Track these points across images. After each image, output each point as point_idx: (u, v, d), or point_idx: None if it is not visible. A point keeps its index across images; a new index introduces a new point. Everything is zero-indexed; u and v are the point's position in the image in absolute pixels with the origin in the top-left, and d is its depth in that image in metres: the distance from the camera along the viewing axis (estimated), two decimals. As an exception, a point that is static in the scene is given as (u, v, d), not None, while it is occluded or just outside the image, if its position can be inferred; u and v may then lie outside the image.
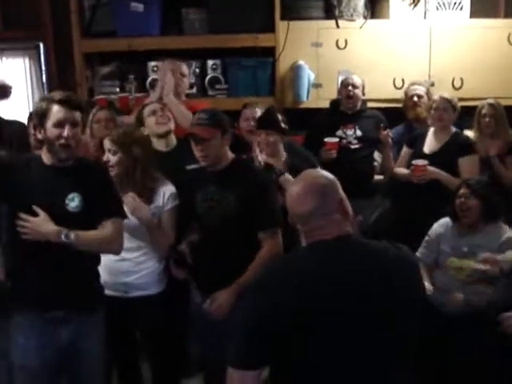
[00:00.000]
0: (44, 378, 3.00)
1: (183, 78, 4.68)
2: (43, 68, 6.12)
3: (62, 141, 2.85)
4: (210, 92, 5.47)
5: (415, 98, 4.97)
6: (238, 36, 5.35)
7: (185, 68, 4.74)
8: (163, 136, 3.99)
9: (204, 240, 3.37)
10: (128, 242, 3.33)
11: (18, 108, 5.81)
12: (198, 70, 5.45)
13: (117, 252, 3.13)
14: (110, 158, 3.42)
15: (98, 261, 3.14)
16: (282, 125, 3.90)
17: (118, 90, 5.44)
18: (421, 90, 5.00)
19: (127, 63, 5.55)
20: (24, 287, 2.97)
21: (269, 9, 5.37)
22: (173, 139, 4.05)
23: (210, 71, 5.48)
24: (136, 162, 3.42)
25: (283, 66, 5.41)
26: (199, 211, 3.34)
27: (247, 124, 4.42)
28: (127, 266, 3.43)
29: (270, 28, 5.37)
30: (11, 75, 6.17)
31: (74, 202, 2.93)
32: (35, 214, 2.85)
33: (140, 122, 4.02)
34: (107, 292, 3.30)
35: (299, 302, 1.99)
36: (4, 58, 6.22)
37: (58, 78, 6.00)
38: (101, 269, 3.24)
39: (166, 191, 3.49)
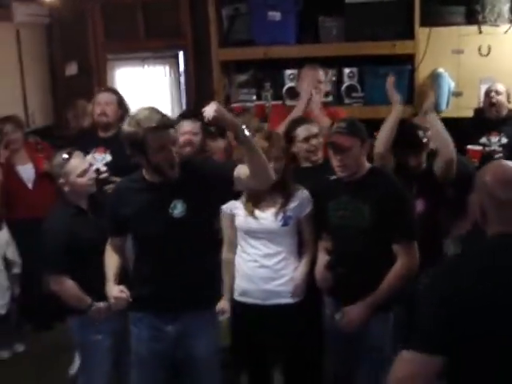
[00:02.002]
0: (155, 367, 3.13)
1: (320, 85, 4.52)
2: (182, 75, 6.32)
3: (169, 162, 2.95)
4: (346, 100, 5.42)
5: None
6: (375, 43, 5.28)
7: (321, 74, 4.64)
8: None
9: (336, 250, 3.32)
10: (267, 247, 3.35)
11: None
12: (334, 78, 5.41)
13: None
14: (276, 165, 3.31)
15: (219, 264, 3.19)
16: (424, 140, 3.74)
17: (254, 97, 5.51)
18: None
19: (263, 71, 5.61)
20: (140, 287, 3.10)
21: (407, 15, 5.26)
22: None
23: (346, 79, 5.43)
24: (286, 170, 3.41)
25: (422, 74, 5.27)
26: (332, 221, 3.31)
27: None
28: (266, 273, 3.39)
29: (409, 35, 5.25)
30: (152, 82, 6.44)
31: (177, 209, 3.00)
32: (149, 230, 3.01)
33: (289, 139, 3.83)
34: (246, 299, 3.35)
35: (482, 289, 1.92)
36: (146, 66, 6.48)
37: (196, 85, 6.17)
38: (240, 276, 3.30)
39: (303, 196, 3.46)
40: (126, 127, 2.94)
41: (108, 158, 4.33)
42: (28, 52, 6.38)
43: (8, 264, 4.99)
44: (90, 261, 3.41)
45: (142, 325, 3.13)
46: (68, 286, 3.50)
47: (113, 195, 3.26)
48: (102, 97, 4.50)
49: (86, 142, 4.34)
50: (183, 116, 4.04)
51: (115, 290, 3.09)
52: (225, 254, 3.53)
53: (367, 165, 3.30)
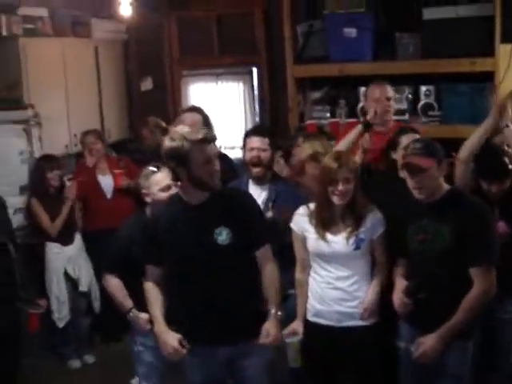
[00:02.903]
0: None
1: (389, 102, 4.40)
2: (256, 92, 6.33)
3: (215, 176, 2.97)
4: (423, 119, 5.30)
5: None
6: (453, 60, 5.15)
7: (390, 91, 4.49)
8: None
9: (415, 275, 3.22)
10: (339, 270, 3.31)
11: (232, 130, 6.06)
12: (410, 96, 5.31)
13: None
14: (346, 187, 3.26)
15: (260, 289, 3.16)
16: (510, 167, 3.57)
17: (328, 114, 5.46)
18: None
19: (338, 88, 5.55)
20: (183, 316, 3.11)
21: (487, 31, 5.11)
22: None
23: (422, 97, 5.31)
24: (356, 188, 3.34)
25: (504, 91, 5.10)
26: (411, 246, 3.21)
27: None
28: (339, 295, 3.33)
29: (489, 51, 5.10)
30: (226, 99, 6.47)
31: (221, 235, 2.99)
32: (192, 256, 3.00)
33: (393, 145, 3.80)
34: (319, 320, 3.32)
35: None
36: (220, 82, 6.53)
37: (270, 102, 6.17)
38: (313, 297, 3.27)
39: (375, 217, 3.39)
40: (169, 142, 2.96)
41: None
42: (105, 67, 6.51)
43: (70, 280, 5.10)
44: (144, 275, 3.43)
45: (191, 352, 3.08)
46: (114, 284, 3.63)
47: (151, 221, 3.23)
48: (187, 117, 4.48)
49: None
50: (252, 132, 3.98)
51: (173, 340, 3.03)
52: (297, 274, 3.48)
53: (446, 186, 3.21)
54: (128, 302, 3.57)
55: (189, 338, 3.05)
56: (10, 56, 5.31)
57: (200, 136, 2.92)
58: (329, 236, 3.31)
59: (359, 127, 3.95)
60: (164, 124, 5.69)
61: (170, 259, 3.10)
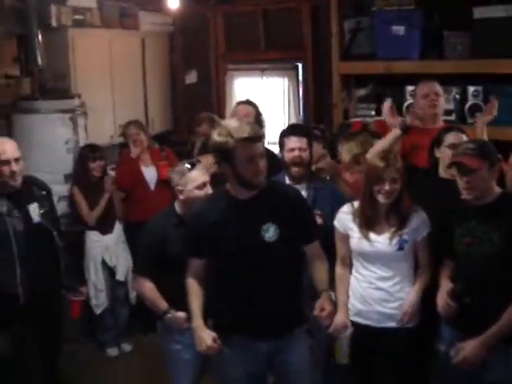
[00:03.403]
0: None
1: (437, 97, 4.35)
2: (300, 88, 6.31)
3: (260, 175, 2.94)
4: (469, 120, 5.20)
5: None
6: (502, 61, 5.05)
7: (439, 87, 4.42)
8: None
9: (461, 278, 3.17)
10: (381, 271, 3.29)
11: (275, 125, 6.04)
12: (457, 97, 5.23)
13: None
14: (393, 186, 3.24)
15: (302, 285, 3.15)
16: None
17: (373, 113, 5.42)
18: None
19: (384, 86, 5.50)
20: (225, 310, 3.10)
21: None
22: None
23: (470, 98, 5.21)
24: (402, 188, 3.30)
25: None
26: (458, 247, 3.17)
27: None
28: (381, 295, 3.32)
29: (541, 52, 5.00)
30: (270, 93, 6.46)
31: (269, 232, 2.97)
32: (237, 251, 2.98)
33: (437, 143, 3.73)
34: (360, 320, 3.31)
35: None
36: (264, 77, 6.52)
37: (314, 98, 6.14)
38: (354, 297, 3.27)
39: (420, 219, 3.35)
40: (216, 136, 2.94)
41: None
42: (151, 60, 6.57)
43: (108, 269, 5.16)
44: (178, 272, 3.41)
45: (231, 344, 3.11)
46: (146, 288, 3.58)
47: (196, 215, 3.18)
48: (241, 108, 4.52)
49: None
50: (291, 132, 3.96)
51: (208, 338, 3.04)
52: (338, 269, 3.47)
53: (497, 189, 3.15)
54: (163, 304, 3.51)
55: (230, 332, 3.07)
56: (59, 46, 5.39)
57: (245, 134, 2.88)
58: (372, 235, 3.29)
59: (397, 131, 3.89)
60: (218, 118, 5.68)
61: (214, 254, 3.09)
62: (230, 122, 3.04)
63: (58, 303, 4.02)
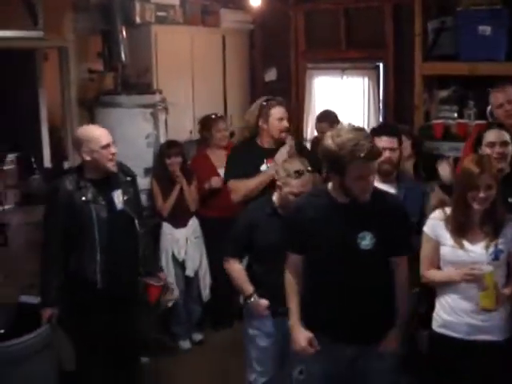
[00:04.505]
0: None
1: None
2: (381, 88, 6.22)
3: (367, 192, 2.93)
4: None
5: None
6: None
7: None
8: None
9: None
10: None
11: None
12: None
13: None
14: (488, 193, 3.11)
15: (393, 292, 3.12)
16: None
17: (455, 115, 5.28)
18: None
19: (467, 88, 5.35)
20: (316, 311, 3.10)
21: None
22: None
23: (559, 101, 5.03)
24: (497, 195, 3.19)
25: None
26: None
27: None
28: (471, 306, 3.15)
29: None
30: (350, 93, 6.39)
31: (365, 240, 2.94)
32: (331, 255, 2.97)
33: (478, 141, 3.70)
34: (447, 332, 3.20)
35: None
36: (344, 76, 6.45)
37: (395, 99, 6.04)
38: (440, 307, 3.20)
39: None
40: (331, 143, 2.90)
41: None
42: (231, 57, 6.60)
43: (180, 263, 5.21)
44: (268, 261, 3.51)
45: (319, 344, 3.11)
46: (235, 269, 3.69)
47: (295, 209, 3.20)
48: (284, 112, 4.44)
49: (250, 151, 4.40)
50: (382, 131, 3.90)
51: (304, 340, 3.08)
52: (425, 272, 3.31)
53: None
54: (249, 288, 3.63)
55: (319, 331, 3.09)
56: (142, 43, 5.49)
57: (362, 153, 2.83)
58: (466, 244, 3.16)
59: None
60: None
61: (310, 252, 3.11)
62: (348, 132, 2.93)
63: (135, 290, 4.06)
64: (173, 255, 5.18)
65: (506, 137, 3.62)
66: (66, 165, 5.51)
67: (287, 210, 3.49)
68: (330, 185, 3.07)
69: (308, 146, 5.86)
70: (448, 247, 3.20)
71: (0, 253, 4.63)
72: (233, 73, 6.64)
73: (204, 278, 5.30)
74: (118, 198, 3.89)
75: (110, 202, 3.86)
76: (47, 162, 6.71)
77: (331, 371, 3.12)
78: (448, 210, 3.25)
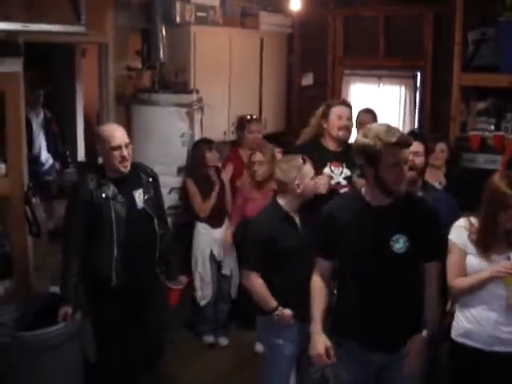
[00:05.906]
0: None
1: None
2: (417, 97, 6.18)
3: (402, 182, 2.93)
4: None
5: None
6: None
7: None
8: None
9: None
10: (499, 289, 3.09)
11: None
12: None
13: None
14: None
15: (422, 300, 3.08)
16: None
17: (492, 127, 5.23)
18: None
19: (506, 100, 5.30)
20: (346, 315, 3.10)
21: None
22: None
23: None
24: None
25: None
26: None
27: None
28: (495, 317, 3.09)
29: None
30: (387, 101, 6.36)
31: (398, 243, 2.93)
32: (364, 259, 2.97)
33: None
34: (467, 342, 3.14)
35: None
36: (381, 84, 6.42)
37: (431, 109, 6.00)
38: (462, 316, 3.15)
39: None
40: (363, 138, 2.94)
41: (347, 172, 4.20)
42: (268, 60, 6.60)
43: (215, 262, 5.23)
44: (286, 267, 3.49)
45: (344, 349, 3.11)
46: (256, 284, 3.62)
47: (327, 215, 3.16)
48: (345, 111, 4.33)
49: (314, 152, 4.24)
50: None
51: (321, 347, 3.07)
52: (451, 281, 3.22)
53: None
54: (272, 302, 3.57)
55: (347, 336, 3.08)
56: (181, 42, 5.51)
57: (394, 139, 2.87)
58: (493, 256, 3.10)
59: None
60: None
61: (341, 255, 3.11)
62: (378, 125, 3.04)
63: (152, 288, 4.07)
64: (211, 255, 5.20)
65: None
66: (100, 160, 5.57)
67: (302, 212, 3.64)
68: (363, 190, 3.07)
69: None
70: (473, 256, 3.14)
71: (34, 244, 4.67)
72: (269, 76, 6.64)
73: (236, 276, 5.29)
74: (139, 196, 3.92)
75: (131, 201, 3.88)
76: (81, 157, 6.80)
77: (359, 378, 3.10)
78: (473, 219, 3.18)
